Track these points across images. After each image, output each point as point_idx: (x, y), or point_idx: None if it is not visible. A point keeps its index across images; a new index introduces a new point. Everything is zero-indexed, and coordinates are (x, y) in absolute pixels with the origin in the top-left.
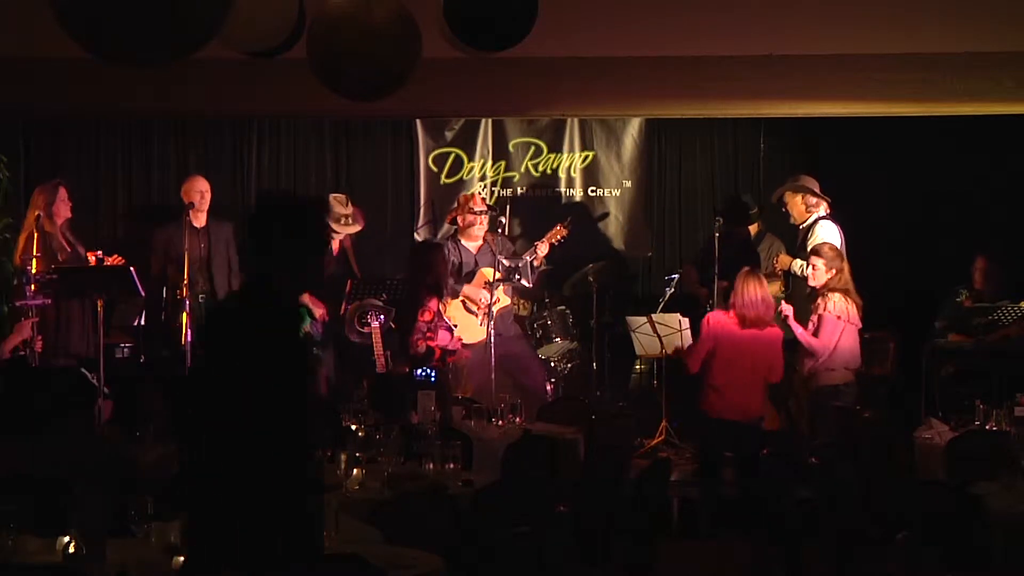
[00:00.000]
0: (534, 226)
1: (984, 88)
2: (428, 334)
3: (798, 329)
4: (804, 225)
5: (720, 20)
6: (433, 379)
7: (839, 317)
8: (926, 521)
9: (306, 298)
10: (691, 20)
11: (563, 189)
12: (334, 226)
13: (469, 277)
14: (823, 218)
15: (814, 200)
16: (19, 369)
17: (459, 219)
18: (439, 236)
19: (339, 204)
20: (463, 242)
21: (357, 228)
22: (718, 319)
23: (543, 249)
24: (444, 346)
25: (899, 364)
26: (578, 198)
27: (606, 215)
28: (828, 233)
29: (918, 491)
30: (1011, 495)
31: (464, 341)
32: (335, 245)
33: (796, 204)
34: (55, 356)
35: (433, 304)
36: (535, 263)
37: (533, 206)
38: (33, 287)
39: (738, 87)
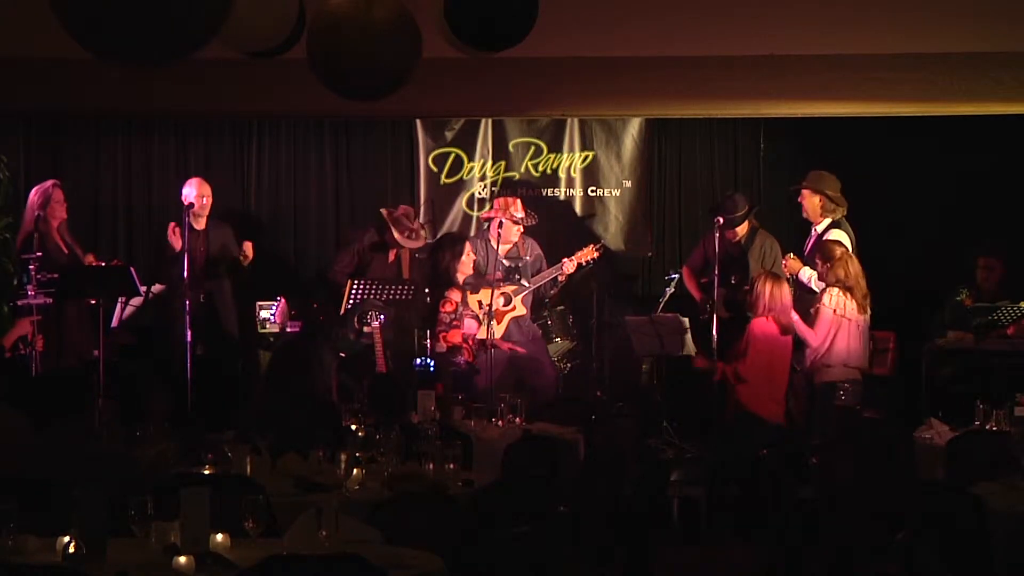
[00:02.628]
0: (533, 226)
1: (984, 88)
2: (454, 323)
3: (793, 316)
4: (818, 228)
5: (720, 20)
6: (432, 370)
7: (835, 312)
8: (926, 521)
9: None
10: (691, 20)
11: (563, 189)
12: (399, 238)
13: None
14: (833, 225)
15: (831, 205)
16: (19, 369)
17: (500, 221)
18: (439, 234)
19: (407, 219)
20: (492, 243)
21: (419, 244)
22: (763, 327)
23: (570, 267)
24: (474, 335)
25: (899, 364)
26: (578, 198)
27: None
28: (838, 238)
29: (918, 491)
30: (1011, 495)
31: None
32: (391, 255)
33: (813, 203)
34: (56, 356)
35: (454, 295)
36: (560, 279)
37: (533, 206)
38: (33, 287)
39: (738, 87)
